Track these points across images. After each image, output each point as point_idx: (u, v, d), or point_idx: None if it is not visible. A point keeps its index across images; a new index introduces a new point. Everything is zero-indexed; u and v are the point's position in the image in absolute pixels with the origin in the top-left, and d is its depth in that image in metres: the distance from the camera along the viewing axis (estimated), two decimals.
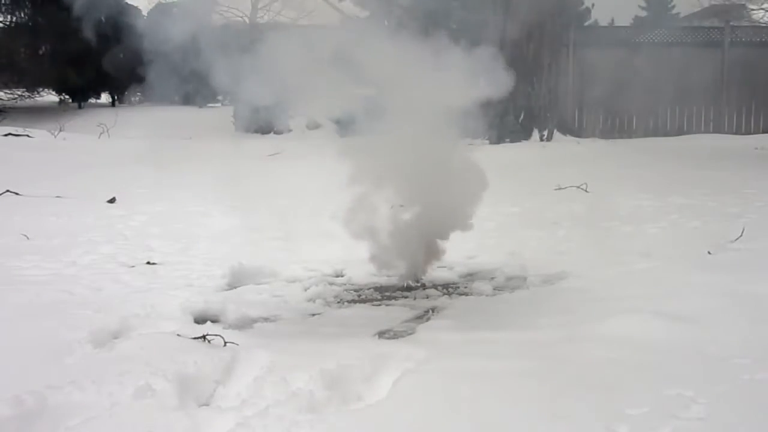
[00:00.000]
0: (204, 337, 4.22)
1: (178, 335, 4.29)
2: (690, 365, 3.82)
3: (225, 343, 4.16)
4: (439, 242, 5.83)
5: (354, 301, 5.43)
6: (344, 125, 5.60)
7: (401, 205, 5.74)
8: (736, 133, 17.31)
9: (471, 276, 5.97)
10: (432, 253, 5.84)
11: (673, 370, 3.75)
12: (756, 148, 14.85)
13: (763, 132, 17.35)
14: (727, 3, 27.39)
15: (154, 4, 22.45)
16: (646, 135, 16.99)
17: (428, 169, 5.42)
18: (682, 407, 3.35)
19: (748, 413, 3.31)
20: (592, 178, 10.04)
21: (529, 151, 14.02)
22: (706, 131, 17.55)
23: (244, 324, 4.84)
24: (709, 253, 6.29)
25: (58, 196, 9.42)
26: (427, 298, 5.45)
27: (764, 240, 6.62)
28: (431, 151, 5.41)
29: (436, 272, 5.90)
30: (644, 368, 3.79)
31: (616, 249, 6.60)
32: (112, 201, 9.36)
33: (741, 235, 6.67)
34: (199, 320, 4.82)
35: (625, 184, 10.46)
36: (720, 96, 17.48)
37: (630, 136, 16.50)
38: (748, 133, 17.33)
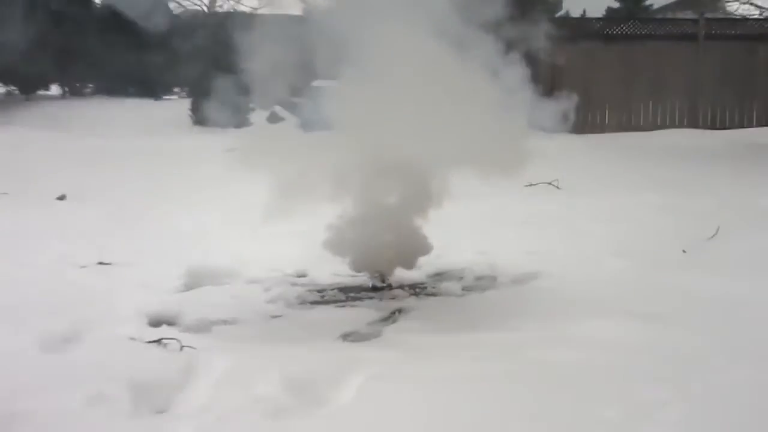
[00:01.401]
0: (159, 340, 4.19)
1: (132, 339, 4.25)
2: (665, 366, 3.86)
3: (182, 347, 4.13)
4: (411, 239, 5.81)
5: (317, 303, 5.42)
6: (308, 119, 5.57)
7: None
8: (711, 128, 17.46)
9: (439, 276, 5.98)
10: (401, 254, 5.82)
11: (649, 372, 3.79)
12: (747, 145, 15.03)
13: (739, 127, 17.54)
14: None
15: None
16: (619, 130, 17.09)
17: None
18: (658, 409, 3.39)
19: (725, 414, 3.36)
20: (564, 175, 10.10)
21: None
22: (681, 126, 17.68)
23: (202, 327, 4.81)
24: (684, 252, 6.37)
25: (5, 193, 9.29)
26: (394, 298, 5.45)
27: (738, 239, 6.70)
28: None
29: (402, 272, 5.90)
30: (619, 370, 3.82)
31: (588, 248, 6.65)
32: (61, 198, 9.24)
33: (715, 234, 6.75)
34: (155, 323, 4.78)
35: (598, 180, 10.53)
36: (695, 90, 17.64)
37: (603, 131, 16.61)
38: (723, 128, 17.50)
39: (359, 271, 5.81)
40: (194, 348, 4.14)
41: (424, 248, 5.80)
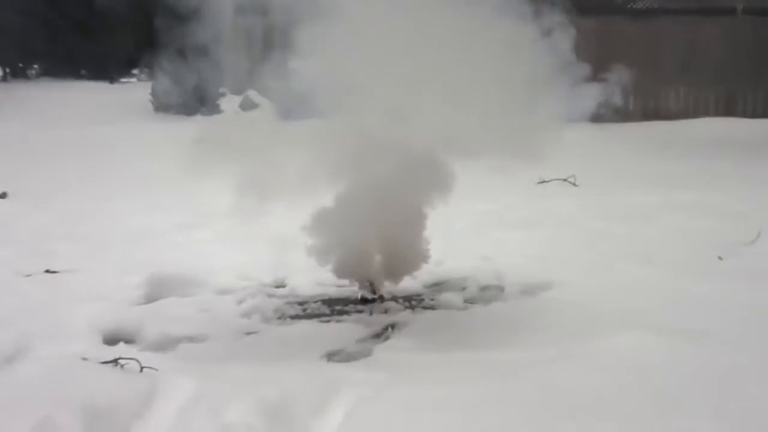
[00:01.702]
0: (116, 361, 4.18)
1: (84, 359, 4.25)
2: (697, 390, 3.86)
3: (142, 368, 4.13)
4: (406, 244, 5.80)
5: (298, 317, 5.42)
6: (287, 105, 5.55)
7: None
8: (750, 117, 17.46)
9: (438, 286, 5.98)
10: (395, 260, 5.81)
11: (678, 397, 3.80)
12: None
13: None
14: None
15: None
16: (645, 118, 17.14)
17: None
18: None
19: None
20: (582, 170, 10.13)
21: None
22: (716, 114, 17.70)
23: (166, 345, 4.81)
24: (720, 258, 6.38)
25: None
26: (386, 312, 5.46)
27: None
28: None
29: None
30: (644, 395, 3.83)
31: (610, 253, 6.67)
32: (2, 197, 9.24)
33: (757, 239, 6.78)
34: (111, 340, 4.79)
35: (620, 176, 10.57)
36: (732, 73, 17.65)
37: (626, 120, 16.64)
38: (766, 116, 17.48)
39: (346, 279, 5.81)
40: (156, 369, 4.14)
41: (422, 255, 5.80)
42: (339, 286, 5.88)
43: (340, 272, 5.75)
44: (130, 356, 4.23)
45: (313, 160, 5.38)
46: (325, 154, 5.43)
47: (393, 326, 5.15)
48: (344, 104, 5.28)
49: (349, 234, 5.55)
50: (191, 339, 4.94)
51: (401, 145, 5.25)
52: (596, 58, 5.48)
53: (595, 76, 5.78)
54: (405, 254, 5.78)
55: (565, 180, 9.96)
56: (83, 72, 23.74)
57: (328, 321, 5.33)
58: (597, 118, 6.08)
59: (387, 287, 5.81)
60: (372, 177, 5.44)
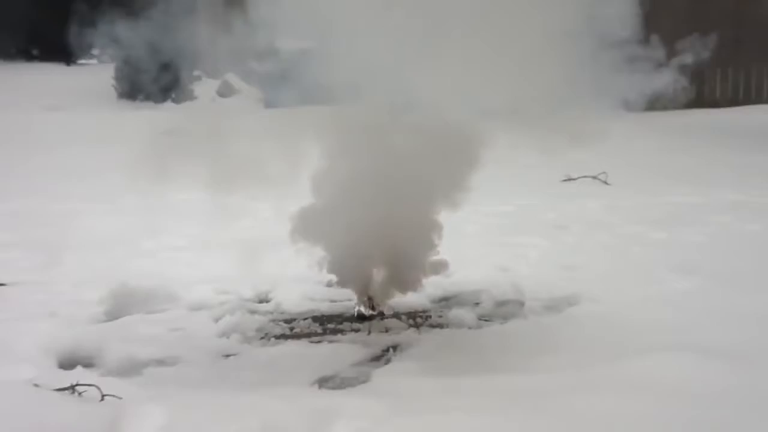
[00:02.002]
0: (73, 387, 4.18)
1: (36, 385, 4.25)
2: (747, 421, 3.86)
3: (103, 396, 4.13)
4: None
5: (285, 336, 5.42)
6: (272, 92, 5.55)
7: None
8: None
9: (447, 300, 5.99)
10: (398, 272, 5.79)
11: (723, 428, 3.80)
12: None
13: None
14: None
15: None
16: (686, 106, 17.05)
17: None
18: None
19: None
20: (614, 166, 10.13)
21: None
22: None
23: (130, 369, 4.81)
24: None
25: None
26: (387, 331, 5.45)
27: None
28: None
29: (399, 295, 5.89)
30: (683, 425, 3.83)
31: (646, 262, 6.67)
32: None
33: None
34: (67, 364, 4.78)
35: (658, 173, 10.57)
36: None
37: (665, 108, 16.58)
38: None
39: (340, 293, 5.81)
40: (119, 397, 4.14)
41: (436, 264, 5.77)
42: (332, 301, 5.88)
43: (333, 283, 5.75)
44: (89, 382, 4.23)
45: (301, 152, 5.37)
46: (316, 143, 5.43)
47: (395, 347, 5.15)
48: (341, 89, 5.27)
49: (343, 238, 5.53)
50: (160, 362, 4.94)
51: (407, 133, 5.25)
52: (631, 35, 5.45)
53: (631, 57, 5.76)
54: (412, 262, 5.76)
55: (594, 177, 9.97)
56: (35, 53, 23.76)
57: (319, 341, 5.33)
58: (631, 106, 6.06)
59: (388, 302, 5.81)
60: (372, 169, 5.43)
